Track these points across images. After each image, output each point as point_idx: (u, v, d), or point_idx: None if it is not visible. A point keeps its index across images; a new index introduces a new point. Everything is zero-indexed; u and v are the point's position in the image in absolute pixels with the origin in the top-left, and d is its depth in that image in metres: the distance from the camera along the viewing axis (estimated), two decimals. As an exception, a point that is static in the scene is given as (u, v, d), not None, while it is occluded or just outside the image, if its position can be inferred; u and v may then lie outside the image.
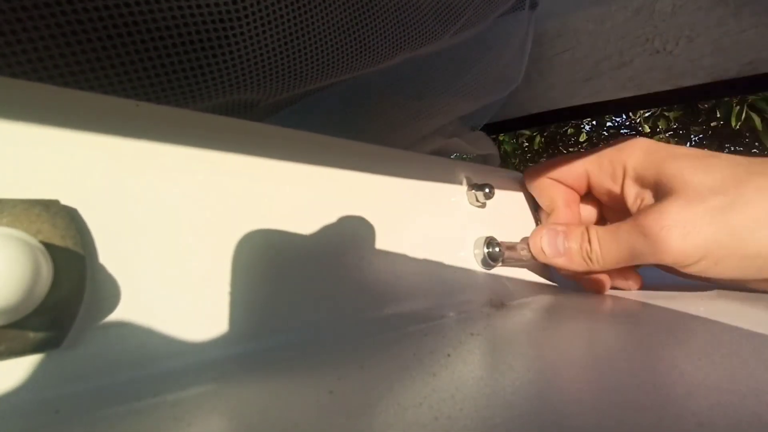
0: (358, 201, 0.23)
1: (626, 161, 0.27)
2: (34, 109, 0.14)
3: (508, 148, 3.42)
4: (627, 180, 0.28)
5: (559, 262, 0.28)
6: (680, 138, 3.05)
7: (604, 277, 0.29)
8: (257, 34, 0.22)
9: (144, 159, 0.16)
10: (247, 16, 0.21)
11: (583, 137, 3.40)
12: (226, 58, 0.23)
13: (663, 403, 0.12)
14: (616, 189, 0.29)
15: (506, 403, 0.12)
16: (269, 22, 0.22)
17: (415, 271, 0.24)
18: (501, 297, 0.27)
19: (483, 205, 0.30)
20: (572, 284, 0.32)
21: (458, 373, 0.14)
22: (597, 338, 0.19)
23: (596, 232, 0.26)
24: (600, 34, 0.47)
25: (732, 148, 2.81)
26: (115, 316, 0.14)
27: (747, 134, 2.67)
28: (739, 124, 2.36)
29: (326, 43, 0.26)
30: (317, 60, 0.26)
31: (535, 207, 0.35)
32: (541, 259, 0.28)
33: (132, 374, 0.14)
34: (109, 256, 0.14)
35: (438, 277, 0.25)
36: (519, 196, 0.35)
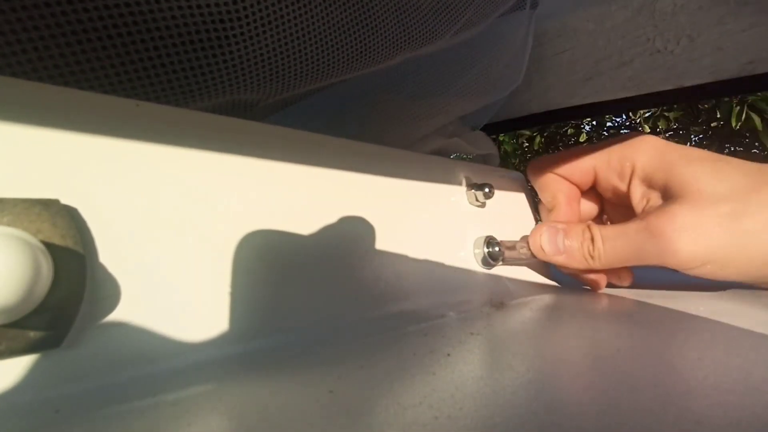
0: (358, 201, 0.23)
1: (635, 160, 0.27)
2: (34, 109, 0.14)
3: (508, 148, 3.42)
4: (634, 179, 0.28)
5: (559, 260, 0.28)
6: (680, 138, 3.05)
7: (602, 274, 0.30)
8: (257, 35, 0.22)
9: (144, 158, 0.16)
10: (247, 17, 0.21)
11: (583, 137, 3.40)
12: (225, 58, 0.23)
13: (663, 403, 0.12)
14: (623, 187, 0.28)
15: (506, 402, 0.12)
16: (269, 23, 0.22)
17: (414, 271, 0.24)
18: (501, 296, 0.27)
19: (483, 205, 0.30)
20: (572, 283, 0.32)
21: (458, 373, 0.14)
22: (597, 338, 0.19)
23: (599, 230, 0.26)
24: (600, 33, 0.47)
25: (732, 148, 2.81)
26: (115, 315, 0.14)
27: (747, 134, 2.67)
28: (739, 124, 2.37)
29: (326, 43, 0.26)
30: (317, 60, 0.26)
31: (535, 206, 0.35)
32: (541, 256, 0.28)
33: (132, 374, 0.14)
34: (109, 255, 0.14)
35: (438, 277, 0.25)
36: (519, 196, 0.35)
